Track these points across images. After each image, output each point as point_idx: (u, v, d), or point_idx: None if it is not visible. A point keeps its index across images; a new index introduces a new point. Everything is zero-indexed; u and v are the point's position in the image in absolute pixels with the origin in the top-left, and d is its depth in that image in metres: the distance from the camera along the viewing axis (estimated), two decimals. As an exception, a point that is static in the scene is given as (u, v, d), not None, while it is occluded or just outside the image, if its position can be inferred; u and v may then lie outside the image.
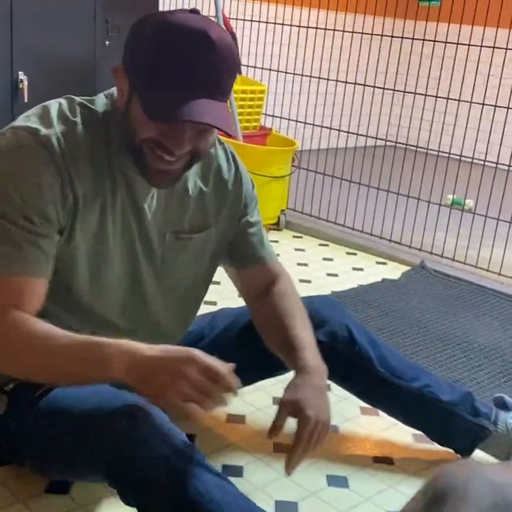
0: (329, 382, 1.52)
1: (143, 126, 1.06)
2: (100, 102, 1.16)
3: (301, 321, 1.32)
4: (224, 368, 0.98)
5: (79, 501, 1.28)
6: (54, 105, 1.13)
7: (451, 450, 1.51)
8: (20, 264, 1.07)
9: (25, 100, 3.00)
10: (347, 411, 1.66)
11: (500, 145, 2.73)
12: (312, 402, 1.18)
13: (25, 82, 3.02)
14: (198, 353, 0.99)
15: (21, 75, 3.02)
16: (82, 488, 1.30)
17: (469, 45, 2.67)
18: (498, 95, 2.67)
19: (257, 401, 1.68)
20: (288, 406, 1.17)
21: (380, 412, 1.57)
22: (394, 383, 1.43)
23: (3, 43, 2.95)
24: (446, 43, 2.65)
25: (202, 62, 1.01)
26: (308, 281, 2.51)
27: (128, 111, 1.08)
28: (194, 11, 1.07)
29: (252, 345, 1.42)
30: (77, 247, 1.14)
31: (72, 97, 1.16)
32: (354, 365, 1.46)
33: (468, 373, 1.89)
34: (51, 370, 1.06)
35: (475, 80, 2.79)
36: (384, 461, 1.50)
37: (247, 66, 3.34)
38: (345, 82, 3.01)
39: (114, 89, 1.16)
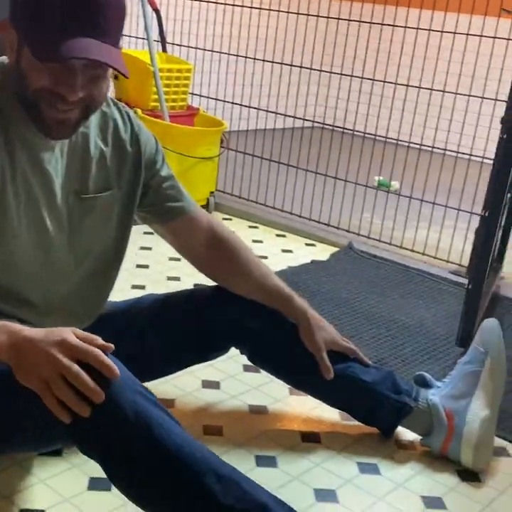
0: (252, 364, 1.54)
1: (35, 76, 1.04)
2: None
3: (267, 269, 1.49)
4: (99, 352, 0.96)
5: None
6: None
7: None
8: None
9: None
10: (276, 392, 1.67)
11: (424, 127, 2.79)
12: (332, 331, 1.48)
13: None
14: (72, 333, 0.97)
15: None
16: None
17: (394, 25, 2.70)
18: (421, 77, 2.72)
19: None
20: (323, 347, 1.43)
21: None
22: (316, 364, 1.44)
23: None
24: (371, 23, 2.67)
25: (84, 1, 1.01)
26: (238, 263, 2.49)
27: (19, 65, 1.06)
28: None
29: (181, 331, 1.42)
30: None
31: None
32: (280, 349, 1.47)
33: (393, 351, 1.92)
34: None
35: (399, 61, 2.83)
36: (312, 440, 1.51)
37: (173, 44, 3.27)
38: (273, 62, 2.99)
39: (0, 58, 1.14)
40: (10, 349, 0.97)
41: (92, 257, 1.30)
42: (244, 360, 1.55)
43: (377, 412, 1.50)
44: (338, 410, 1.58)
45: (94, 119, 1.25)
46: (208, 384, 1.68)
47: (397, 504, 1.34)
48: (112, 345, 0.99)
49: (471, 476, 1.44)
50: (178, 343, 1.45)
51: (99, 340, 0.98)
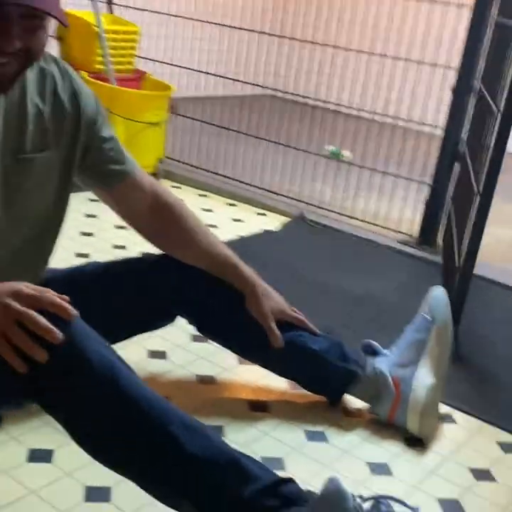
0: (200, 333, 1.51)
1: None
2: None
3: (214, 237, 1.46)
4: (54, 296, 0.96)
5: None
6: None
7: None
8: None
9: None
10: (224, 362, 1.64)
11: (376, 97, 2.77)
12: (280, 301, 1.47)
13: None
14: (24, 285, 0.96)
15: None
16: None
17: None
18: (372, 46, 2.69)
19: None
20: (270, 316, 1.41)
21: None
22: (266, 335, 1.42)
23: None
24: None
25: None
26: (187, 232, 2.44)
27: None
28: None
29: (123, 299, 1.38)
30: None
31: None
32: (227, 318, 1.45)
33: (343, 321, 1.92)
34: None
35: (354, 29, 2.80)
36: (260, 409, 1.50)
37: (120, 6, 3.16)
38: (223, 26, 2.91)
39: None
40: None
41: (29, 221, 1.25)
42: (192, 329, 1.52)
43: (325, 380, 1.50)
44: (286, 379, 1.56)
45: (31, 76, 1.18)
46: (155, 354, 1.65)
47: (344, 471, 1.34)
48: (66, 297, 0.97)
49: (416, 442, 1.45)
50: (120, 311, 1.40)
51: (52, 292, 0.96)
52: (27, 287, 0.96)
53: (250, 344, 1.47)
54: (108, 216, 2.33)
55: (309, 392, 1.54)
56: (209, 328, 1.50)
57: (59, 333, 0.94)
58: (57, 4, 1.01)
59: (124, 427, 0.99)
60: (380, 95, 2.84)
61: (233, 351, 1.53)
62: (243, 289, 1.42)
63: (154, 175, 2.96)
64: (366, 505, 1.04)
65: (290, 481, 1.05)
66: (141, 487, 1.03)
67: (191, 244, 1.42)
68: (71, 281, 1.39)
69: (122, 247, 2.24)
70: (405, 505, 1.07)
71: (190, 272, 1.42)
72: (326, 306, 2.00)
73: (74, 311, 0.97)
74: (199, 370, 1.61)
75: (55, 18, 0.98)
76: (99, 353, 0.99)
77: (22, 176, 1.20)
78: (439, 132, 2.47)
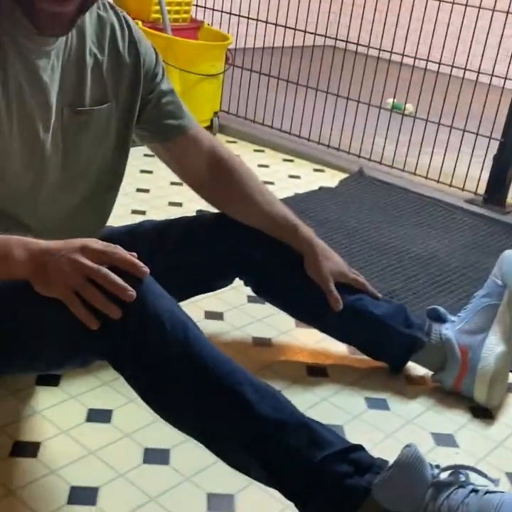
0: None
1: None
2: None
3: (272, 196, 1.41)
4: (125, 253, 0.94)
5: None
6: None
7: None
8: None
9: None
10: (281, 324, 1.60)
11: (443, 47, 2.62)
12: (340, 262, 1.40)
13: None
14: (93, 241, 0.94)
15: None
16: (1, 408, 1.21)
17: None
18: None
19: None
20: (330, 278, 1.36)
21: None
22: (325, 297, 1.37)
23: None
24: None
25: None
26: (243, 189, 2.39)
27: None
28: None
29: (182, 258, 1.35)
30: None
31: None
32: (285, 280, 1.40)
33: (404, 283, 1.85)
34: None
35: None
36: (318, 374, 1.46)
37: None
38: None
39: None
40: (29, 263, 0.93)
41: (87, 177, 1.22)
42: (248, 290, 1.48)
43: (387, 347, 1.44)
44: (345, 343, 1.51)
45: (89, 24, 1.13)
46: (211, 315, 1.62)
47: (406, 441, 1.27)
48: (135, 254, 0.96)
49: (483, 412, 1.39)
50: (178, 271, 1.37)
51: (121, 248, 0.95)
52: (96, 242, 0.94)
53: (308, 307, 1.42)
54: (163, 172, 2.28)
55: (370, 358, 1.48)
56: (266, 290, 1.45)
57: (132, 291, 0.92)
58: None
59: (194, 385, 0.97)
60: (447, 45, 2.67)
61: (290, 314, 1.49)
62: (302, 249, 1.37)
63: (209, 129, 2.90)
64: (444, 475, 1.00)
65: (361, 448, 1.01)
66: (207, 446, 1.01)
67: (248, 202, 1.36)
68: (128, 239, 1.36)
69: (178, 204, 2.20)
70: (485, 476, 1.01)
71: (249, 232, 1.38)
72: (387, 267, 1.93)
73: (145, 268, 0.95)
74: (255, 332, 1.57)
75: None
76: (170, 311, 0.97)
77: (80, 130, 1.16)
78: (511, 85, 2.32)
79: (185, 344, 0.97)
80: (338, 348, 1.53)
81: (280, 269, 1.40)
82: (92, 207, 1.26)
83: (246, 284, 1.46)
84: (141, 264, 0.95)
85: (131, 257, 0.95)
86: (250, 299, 1.68)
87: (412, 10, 2.60)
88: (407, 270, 1.92)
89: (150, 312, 0.95)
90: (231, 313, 1.64)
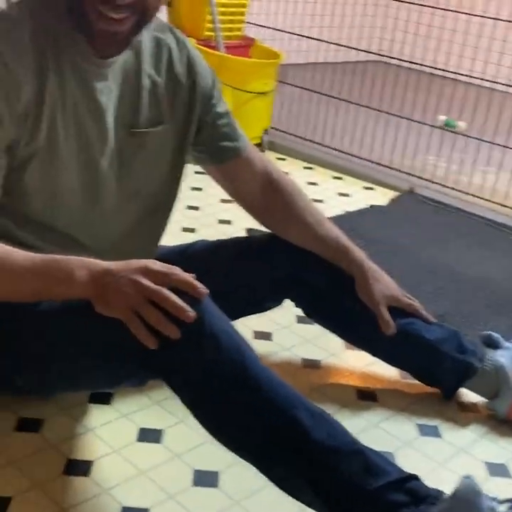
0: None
1: None
2: None
3: (324, 217, 1.40)
4: (184, 274, 0.95)
5: (51, 440, 1.20)
6: None
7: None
8: None
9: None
10: (331, 345, 1.59)
11: (499, 65, 2.57)
12: (392, 286, 1.38)
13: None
14: (152, 262, 0.96)
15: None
16: (55, 425, 1.23)
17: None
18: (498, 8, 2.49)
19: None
20: (382, 301, 1.34)
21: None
22: (377, 321, 1.35)
23: None
24: None
25: None
26: (292, 206, 2.39)
27: None
28: None
29: (234, 279, 1.35)
30: (26, 156, 1.04)
31: None
32: (337, 302, 1.39)
33: (456, 306, 1.82)
34: (12, 292, 1.00)
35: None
36: (368, 398, 1.44)
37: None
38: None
39: None
40: (91, 283, 0.96)
41: (142, 196, 1.23)
42: (297, 310, 1.48)
43: (440, 372, 1.41)
44: (396, 368, 1.49)
45: (147, 46, 1.15)
46: (260, 335, 1.62)
47: (459, 470, 1.26)
48: (193, 274, 0.97)
49: (539, 443, 1.35)
50: (230, 293, 1.37)
51: (179, 269, 0.96)
52: (155, 264, 0.96)
53: (359, 329, 1.41)
54: (213, 189, 2.30)
55: (421, 383, 1.46)
56: (317, 311, 1.45)
57: (192, 312, 0.94)
58: None
59: (250, 407, 0.97)
60: (504, 62, 2.63)
61: (340, 336, 1.47)
62: (353, 272, 1.36)
63: (259, 146, 2.91)
64: (502, 508, 0.97)
65: (416, 477, 1.00)
66: (260, 469, 1.01)
67: (300, 224, 1.37)
68: (181, 260, 1.37)
69: (228, 222, 2.21)
70: None
71: (300, 253, 1.38)
72: (438, 289, 1.89)
73: (204, 289, 0.96)
74: (305, 353, 1.56)
75: None
76: (227, 332, 0.99)
77: (136, 151, 1.18)
78: None
79: (241, 365, 0.97)
80: (388, 372, 1.51)
81: (331, 291, 1.39)
82: (146, 227, 1.27)
83: (296, 305, 1.46)
84: (200, 285, 0.96)
85: (191, 278, 0.96)
86: (299, 320, 1.67)
87: (468, 27, 2.57)
88: (459, 292, 1.89)
89: (207, 332, 0.96)
90: (280, 334, 1.63)
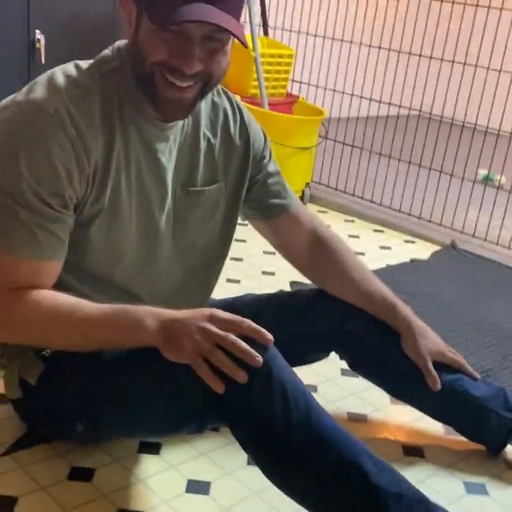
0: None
1: (152, 48, 1.00)
2: (105, 57, 1.11)
3: (370, 273, 1.42)
4: (250, 322, 0.99)
5: (102, 489, 1.22)
6: (58, 72, 1.07)
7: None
8: (33, 249, 1.03)
9: (43, 61, 2.89)
10: (376, 399, 1.59)
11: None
12: (438, 341, 1.39)
13: (42, 41, 2.89)
14: (217, 310, 1.00)
15: (38, 34, 2.89)
16: (106, 475, 1.25)
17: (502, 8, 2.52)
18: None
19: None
20: (428, 357, 1.35)
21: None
22: (422, 376, 1.36)
23: (19, 0, 2.84)
24: (489, 7, 2.50)
25: None
26: (334, 259, 2.42)
27: (136, 39, 1.03)
28: None
29: (281, 332, 1.37)
30: (91, 215, 1.09)
31: (77, 61, 1.11)
32: (382, 357, 1.40)
33: (501, 361, 1.80)
34: (83, 341, 1.05)
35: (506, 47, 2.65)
36: (414, 453, 1.43)
37: (275, 28, 3.20)
38: (377, 48, 2.86)
39: (117, 43, 1.12)
40: (161, 331, 1.00)
41: (196, 250, 1.28)
42: (342, 363, 1.48)
43: (486, 430, 1.40)
44: (441, 423, 1.48)
45: (204, 109, 1.21)
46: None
47: (508, 531, 1.24)
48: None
49: None
50: (276, 345, 1.40)
51: (241, 317, 1.00)
52: (220, 312, 1.01)
53: (405, 385, 1.41)
54: (257, 241, 2.34)
55: (467, 439, 1.45)
56: (362, 365, 1.46)
57: (259, 357, 0.97)
58: (240, 27, 1.02)
59: (313, 454, 0.99)
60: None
61: (386, 390, 1.47)
62: (399, 328, 1.38)
63: (301, 199, 2.96)
64: None
65: None
66: None
67: (347, 280, 1.39)
68: (231, 312, 1.40)
69: (271, 274, 2.25)
70: None
71: (347, 308, 1.40)
72: (482, 344, 1.88)
73: (270, 336, 1.00)
74: (350, 407, 1.57)
75: (238, 39, 0.99)
76: (293, 380, 1.01)
77: (191, 208, 1.23)
78: None
79: (307, 413, 0.99)
80: (434, 427, 1.50)
81: (377, 345, 1.40)
82: (199, 279, 1.31)
83: (341, 358, 1.47)
84: (266, 332, 1.00)
85: (257, 325, 1.00)
86: (344, 372, 1.68)
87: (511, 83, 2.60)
88: (503, 348, 1.88)
89: (274, 379, 0.99)
90: (325, 386, 1.64)
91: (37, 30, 2.87)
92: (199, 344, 0.97)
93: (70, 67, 1.09)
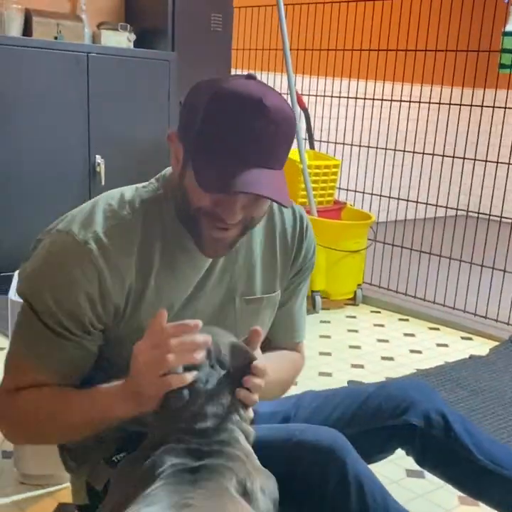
0: (422, 469, 1.43)
1: (196, 196, 1.03)
2: (150, 187, 1.15)
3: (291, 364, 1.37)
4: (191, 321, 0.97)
5: None
6: (101, 202, 1.12)
7: None
8: (47, 367, 1.08)
9: (103, 183, 3.09)
10: (444, 501, 1.53)
11: None
12: None
13: (102, 166, 3.12)
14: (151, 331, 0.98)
15: (98, 159, 3.12)
16: None
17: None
18: None
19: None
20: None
21: (480, 503, 1.43)
22: (494, 471, 1.30)
23: (81, 127, 3.08)
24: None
25: (255, 130, 0.98)
26: (391, 359, 2.40)
27: (182, 180, 1.06)
28: (250, 77, 1.03)
29: (346, 428, 1.36)
30: (127, 333, 1.10)
31: (123, 190, 1.15)
32: (450, 453, 1.35)
33: None
34: (77, 432, 1.08)
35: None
36: (489, 559, 1.36)
37: (320, 141, 3.37)
38: (419, 153, 2.96)
39: (165, 170, 1.16)
40: (130, 402, 1.00)
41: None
42: (406, 464, 1.45)
43: None
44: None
45: (263, 223, 1.22)
46: (370, 489, 1.58)
47: None
48: None
49: None
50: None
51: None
52: (154, 330, 0.98)
53: (480, 480, 1.34)
54: (313, 343, 2.36)
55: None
56: (431, 459, 1.39)
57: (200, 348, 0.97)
58: (284, 184, 1.04)
59: None
60: None
61: (458, 487, 1.40)
62: None
63: (352, 300, 2.99)
64: None
65: None
66: None
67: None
68: (293, 411, 1.40)
69: (328, 375, 2.23)
70: None
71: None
72: (553, 441, 1.81)
73: (197, 322, 0.97)
74: (418, 509, 1.51)
75: (281, 204, 1.01)
76: (369, 475, 1.03)
77: (250, 315, 1.24)
78: None
79: (385, 508, 1.00)
80: (508, 530, 1.43)
81: (447, 439, 1.35)
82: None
83: (408, 454, 1.43)
84: (189, 320, 0.97)
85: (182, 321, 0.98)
86: (409, 473, 1.64)
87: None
88: None
89: (350, 473, 0.99)
90: (390, 488, 1.57)
91: (97, 155, 3.11)
92: (170, 354, 0.95)
93: (114, 195, 1.13)
